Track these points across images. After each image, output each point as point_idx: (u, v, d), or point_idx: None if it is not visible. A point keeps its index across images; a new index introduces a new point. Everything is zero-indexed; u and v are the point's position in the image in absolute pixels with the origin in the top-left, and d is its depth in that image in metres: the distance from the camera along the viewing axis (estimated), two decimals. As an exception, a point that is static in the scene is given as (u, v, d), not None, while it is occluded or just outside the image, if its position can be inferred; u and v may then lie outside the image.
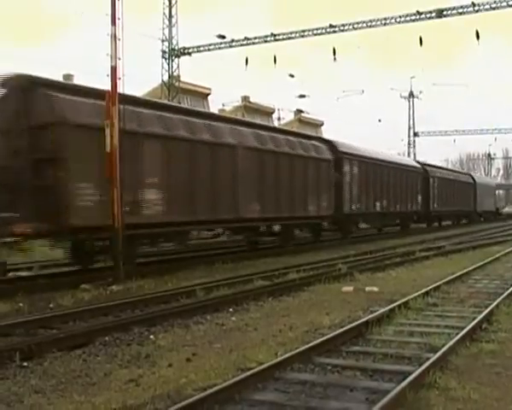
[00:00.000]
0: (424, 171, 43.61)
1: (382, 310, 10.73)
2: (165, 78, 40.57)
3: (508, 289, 13.31)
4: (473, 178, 58.52)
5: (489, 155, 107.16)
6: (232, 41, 38.35)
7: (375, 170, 33.34)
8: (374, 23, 34.93)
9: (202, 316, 11.15)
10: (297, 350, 7.96)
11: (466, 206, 53.62)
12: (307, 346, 8.19)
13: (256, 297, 13.03)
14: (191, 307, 11.81)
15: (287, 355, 7.75)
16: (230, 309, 11.89)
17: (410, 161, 45.51)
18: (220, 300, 12.62)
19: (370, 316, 10.21)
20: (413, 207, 40.15)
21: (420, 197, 41.50)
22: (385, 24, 34.82)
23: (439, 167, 52.99)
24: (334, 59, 36.44)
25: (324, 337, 8.71)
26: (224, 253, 22.93)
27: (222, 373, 7.23)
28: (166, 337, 9.55)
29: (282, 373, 7.24)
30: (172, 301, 12.69)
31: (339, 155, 29.21)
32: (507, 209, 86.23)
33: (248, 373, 6.95)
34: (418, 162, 45.85)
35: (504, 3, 31.59)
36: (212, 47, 39.33)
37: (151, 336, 9.62)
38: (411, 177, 39.72)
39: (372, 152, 35.29)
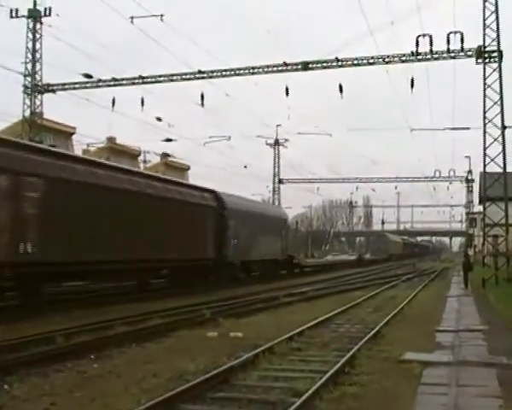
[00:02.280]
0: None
1: (247, 355, 10.76)
2: (28, 114, 39.18)
3: (369, 333, 13.81)
4: (218, 199, 32.67)
5: (350, 202, 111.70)
6: (99, 81, 37.78)
7: None
8: (242, 72, 35.78)
9: (62, 363, 10.66)
10: (161, 397, 7.76)
11: (190, 251, 28.04)
12: (172, 393, 8.01)
13: (119, 343, 12.66)
14: (50, 354, 11.27)
15: (150, 403, 7.53)
16: (92, 356, 11.47)
17: None
18: (81, 346, 12.14)
19: (235, 362, 10.21)
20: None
21: None
22: (253, 73, 35.75)
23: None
24: (202, 104, 36.83)
25: (189, 384, 8.58)
26: (85, 298, 22.19)
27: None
28: (22, 387, 9.03)
29: (146, 422, 7.05)
30: (30, 348, 12.02)
31: None
32: (330, 257, 74.60)
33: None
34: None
35: (365, 61, 33.53)
36: (77, 86, 38.50)
37: (5, 386, 9.06)
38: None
39: None
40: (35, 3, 37.82)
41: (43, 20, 38.04)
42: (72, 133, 51.50)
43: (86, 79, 37.81)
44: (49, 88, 38.73)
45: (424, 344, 12.81)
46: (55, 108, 59.20)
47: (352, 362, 10.58)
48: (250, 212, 37.37)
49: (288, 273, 44.11)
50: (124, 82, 37.29)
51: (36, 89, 38.50)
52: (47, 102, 39.64)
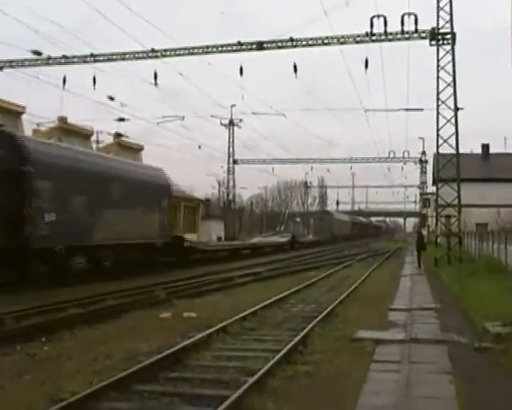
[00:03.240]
0: None
1: (200, 335, 10.70)
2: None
3: (322, 312, 13.86)
4: (12, 146, 20.36)
5: (305, 183, 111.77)
6: (49, 58, 36.85)
7: None
8: (196, 51, 35.40)
9: (11, 346, 10.42)
10: (113, 378, 7.66)
11: None
12: (124, 373, 7.91)
13: (71, 325, 12.45)
14: (-2, 336, 11.00)
15: (102, 384, 7.43)
16: (43, 338, 11.24)
17: None
18: (31, 329, 11.90)
19: (188, 342, 10.14)
20: None
21: None
22: (207, 52, 35.41)
23: None
24: (156, 84, 36.37)
25: (142, 364, 8.48)
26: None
27: (32, 407, 6.76)
28: (-31, 370, 8.79)
29: (97, 403, 6.93)
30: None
31: None
32: (259, 239, 61.98)
33: (60, 405, 6.55)
34: None
35: (319, 41, 33.50)
36: (26, 63, 37.49)
37: (-49, 370, 8.81)
38: None
39: None
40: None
41: (-13, -8, 36.87)
42: (22, 113, 50.28)
43: (35, 57, 36.84)
44: (-6, 65, 37.61)
45: (377, 323, 12.94)
46: (2, 87, 57.84)
47: (305, 341, 10.60)
48: (90, 170, 23.90)
49: (177, 263, 31.39)
50: (75, 60, 36.48)
51: (-19, 65, 37.36)
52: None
